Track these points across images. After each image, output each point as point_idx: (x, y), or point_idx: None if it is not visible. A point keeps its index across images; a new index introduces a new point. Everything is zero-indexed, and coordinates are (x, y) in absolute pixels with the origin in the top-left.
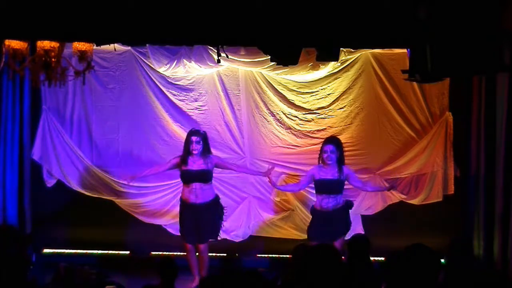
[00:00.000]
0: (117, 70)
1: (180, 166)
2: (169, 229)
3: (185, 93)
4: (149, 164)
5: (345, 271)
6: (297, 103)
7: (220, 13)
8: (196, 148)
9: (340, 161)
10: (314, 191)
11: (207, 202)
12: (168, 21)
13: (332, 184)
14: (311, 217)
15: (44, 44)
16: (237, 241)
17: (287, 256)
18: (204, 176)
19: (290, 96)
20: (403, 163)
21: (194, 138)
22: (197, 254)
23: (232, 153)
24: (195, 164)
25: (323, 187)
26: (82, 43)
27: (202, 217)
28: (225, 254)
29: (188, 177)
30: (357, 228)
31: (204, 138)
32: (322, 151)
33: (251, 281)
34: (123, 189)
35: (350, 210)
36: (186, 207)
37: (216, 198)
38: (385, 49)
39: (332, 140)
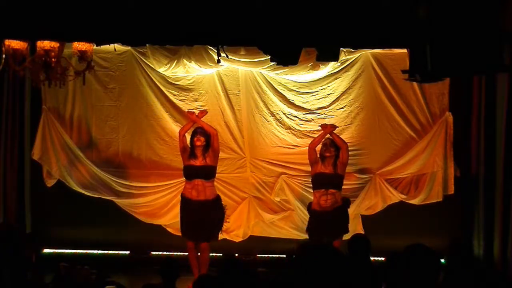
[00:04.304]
0: (117, 70)
1: (188, 159)
2: (169, 229)
3: (185, 93)
4: (149, 164)
5: (345, 271)
6: (297, 103)
7: (220, 13)
8: (200, 139)
9: (337, 159)
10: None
11: (209, 200)
12: (168, 21)
13: (330, 177)
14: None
15: (44, 44)
16: (237, 241)
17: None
18: (207, 172)
19: (290, 96)
20: (403, 163)
21: (198, 129)
22: (198, 253)
23: (232, 153)
24: (198, 160)
25: (321, 180)
26: (82, 43)
27: (202, 215)
28: (221, 254)
29: (191, 172)
30: (357, 228)
31: (207, 135)
32: (322, 144)
33: (246, 280)
34: (123, 189)
35: (348, 209)
36: (187, 204)
37: (218, 198)
38: (385, 49)
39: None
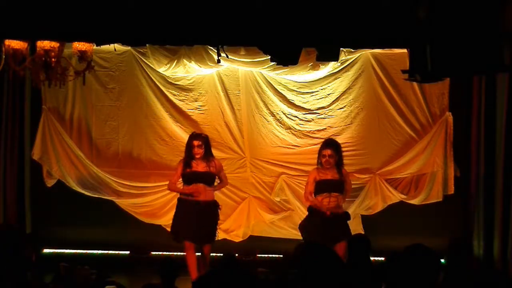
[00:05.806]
0: (117, 70)
1: (184, 170)
2: (169, 229)
3: (185, 93)
4: (149, 164)
5: (345, 271)
6: (297, 103)
7: (220, 13)
8: (199, 152)
9: (339, 164)
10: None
11: (208, 201)
12: (168, 21)
13: (333, 182)
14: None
15: (44, 44)
16: (237, 241)
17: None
18: (209, 178)
19: (290, 96)
20: (403, 163)
21: (196, 143)
22: (198, 254)
23: (232, 153)
24: (199, 166)
25: (323, 186)
26: (82, 43)
27: (202, 216)
28: (221, 254)
29: (193, 178)
30: (357, 228)
31: (206, 142)
32: (320, 155)
33: (245, 280)
34: (123, 189)
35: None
36: (185, 205)
37: (216, 201)
38: (385, 49)
39: (331, 144)
